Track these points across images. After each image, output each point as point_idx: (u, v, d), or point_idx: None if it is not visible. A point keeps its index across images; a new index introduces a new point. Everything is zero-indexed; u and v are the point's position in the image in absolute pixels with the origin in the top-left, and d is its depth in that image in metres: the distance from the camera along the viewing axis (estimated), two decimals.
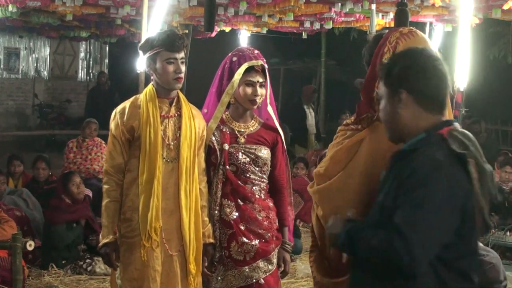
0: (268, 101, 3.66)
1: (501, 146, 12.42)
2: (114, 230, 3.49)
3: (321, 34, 14.90)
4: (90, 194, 6.92)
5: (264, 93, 3.58)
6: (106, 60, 17.75)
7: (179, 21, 9.77)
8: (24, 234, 5.17)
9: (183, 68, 3.47)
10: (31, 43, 15.94)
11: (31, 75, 16.10)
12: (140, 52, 3.57)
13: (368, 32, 7.76)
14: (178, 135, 3.50)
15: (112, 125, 3.52)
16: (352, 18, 9.13)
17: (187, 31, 11.15)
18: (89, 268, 6.04)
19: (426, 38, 2.62)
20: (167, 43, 3.42)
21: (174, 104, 3.54)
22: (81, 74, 17.11)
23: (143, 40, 4.20)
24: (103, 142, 8.37)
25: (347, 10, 8.23)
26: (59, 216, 6.23)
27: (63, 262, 6.15)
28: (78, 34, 12.44)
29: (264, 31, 10.33)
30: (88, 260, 6.11)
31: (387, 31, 2.71)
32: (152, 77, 3.53)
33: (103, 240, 3.46)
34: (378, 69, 2.42)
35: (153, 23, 7.81)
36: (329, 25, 9.48)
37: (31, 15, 9.70)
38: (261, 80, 3.53)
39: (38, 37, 15.25)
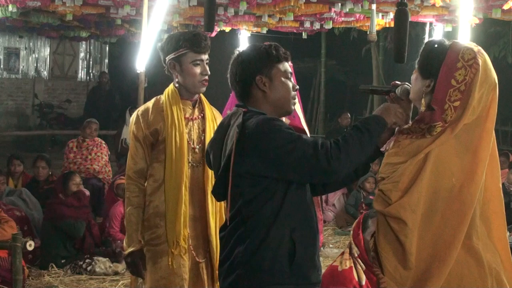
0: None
1: (501, 146, 12.44)
2: (139, 237, 3.35)
3: (321, 34, 14.91)
4: (87, 193, 6.90)
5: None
6: (106, 60, 17.73)
7: (179, 21, 9.76)
8: (24, 234, 5.18)
9: (208, 70, 3.34)
10: (31, 43, 15.93)
11: (31, 75, 16.08)
12: (161, 53, 3.41)
13: (368, 32, 7.75)
14: (202, 138, 3.39)
15: (134, 127, 3.36)
16: (352, 18, 9.12)
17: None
18: (89, 268, 6.04)
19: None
20: (194, 44, 3.29)
21: (197, 105, 3.43)
22: (81, 74, 17.09)
23: (159, 39, 4.13)
24: (103, 142, 8.38)
25: (347, 10, 8.21)
26: (58, 214, 6.23)
27: (62, 261, 6.15)
28: (78, 34, 12.42)
29: (264, 31, 10.32)
30: (88, 260, 6.11)
31: (441, 39, 2.73)
32: (176, 79, 3.38)
33: (128, 249, 3.31)
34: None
35: (153, 23, 7.80)
36: (329, 25, 9.47)
37: (31, 15, 9.69)
38: None
39: (38, 37, 15.23)
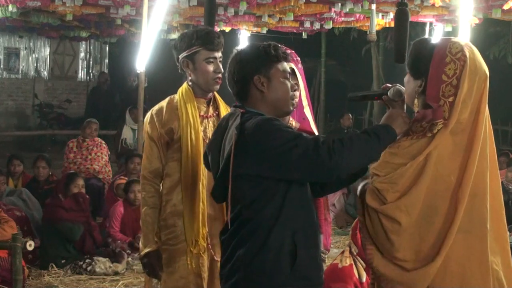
0: (305, 102, 3.56)
1: (501, 146, 12.45)
2: (155, 238, 3.31)
3: (321, 34, 14.92)
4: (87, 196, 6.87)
5: (297, 95, 3.42)
6: (106, 60, 17.74)
7: (179, 21, 9.77)
8: (24, 234, 5.17)
9: (222, 68, 3.29)
10: (31, 43, 15.94)
11: (31, 75, 16.09)
12: (174, 52, 3.37)
13: (368, 32, 7.75)
14: None
15: (148, 127, 3.33)
16: (352, 18, 9.14)
17: (187, 31, 11.14)
18: (89, 268, 6.03)
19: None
20: (207, 42, 3.25)
21: (211, 103, 3.40)
22: (81, 74, 17.10)
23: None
24: (103, 142, 8.38)
25: (347, 10, 8.23)
26: (56, 215, 6.23)
27: (62, 261, 6.15)
28: (78, 34, 12.44)
29: (264, 31, 10.33)
30: (88, 260, 6.11)
31: (428, 38, 2.73)
32: (189, 77, 3.34)
33: (144, 250, 3.26)
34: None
35: (153, 23, 7.80)
36: (329, 25, 9.48)
37: (31, 15, 9.70)
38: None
39: (38, 37, 15.24)
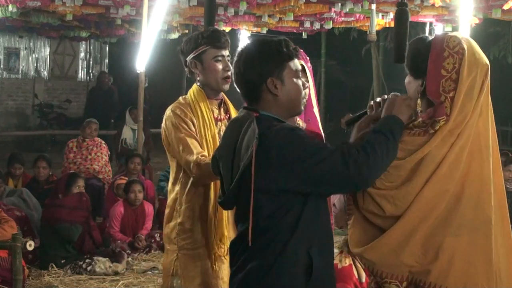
0: (314, 102, 3.54)
1: (501, 146, 12.45)
2: None
3: (321, 34, 14.91)
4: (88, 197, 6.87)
5: (307, 93, 3.44)
6: (106, 60, 17.75)
7: (179, 21, 9.78)
8: (24, 234, 5.17)
9: (230, 66, 3.21)
10: (31, 43, 15.95)
11: (31, 75, 16.10)
12: (181, 57, 3.32)
13: (368, 32, 7.76)
14: None
15: (173, 120, 3.19)
16: (352, 18, 9.14)
17: (187, 31, 11.15)
18: (89, 268, 6.03)
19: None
20: (213, 40, 3.22)
21: (222, 106, 3.35)
22: (81, 74, 17.11)
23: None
24: (103, 142, 8.39)
25: (347, 10, 8.23)
26: (54, 216, 6.22)
27: (62, 261, 6.15)
28: (78, 34, 12.44)
29: (264, 31, 10.33)
30: (88, 260, 6.11)
31: (424, 36, 2.71)
32: (198, 78, 3.28)
33: None
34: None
35: (153, 23, 7.81)
36: (329, 25, 9.49)
37: (31, 15, 9.71)
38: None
39: (38, 37, 15.25)
